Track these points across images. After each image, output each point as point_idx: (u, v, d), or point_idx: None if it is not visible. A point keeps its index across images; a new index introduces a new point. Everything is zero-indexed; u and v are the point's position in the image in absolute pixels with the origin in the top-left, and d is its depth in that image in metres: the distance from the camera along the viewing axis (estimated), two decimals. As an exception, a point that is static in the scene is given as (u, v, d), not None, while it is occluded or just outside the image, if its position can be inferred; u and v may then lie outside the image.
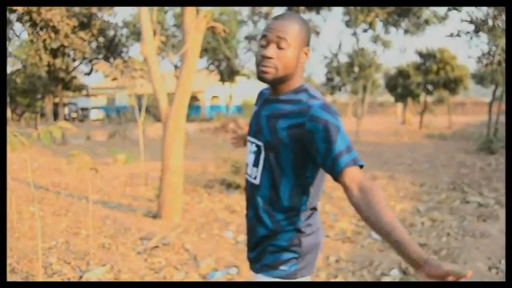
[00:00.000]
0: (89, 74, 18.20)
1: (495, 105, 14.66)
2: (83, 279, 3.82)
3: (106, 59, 17.41)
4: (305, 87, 1.64)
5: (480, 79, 27.54)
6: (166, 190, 5.77)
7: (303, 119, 1.54)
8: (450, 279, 1.23)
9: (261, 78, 1.61)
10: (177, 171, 5.82)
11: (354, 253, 4.52)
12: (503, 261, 4.26)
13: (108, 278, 3.91)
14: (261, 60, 1.59)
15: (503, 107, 17.44)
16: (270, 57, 1.57)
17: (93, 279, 3.86)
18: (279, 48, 1.57)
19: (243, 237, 5.04)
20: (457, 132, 21.36)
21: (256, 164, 1.72)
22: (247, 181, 1.80)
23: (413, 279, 3.81)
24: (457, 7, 14.81)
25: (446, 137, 18.84)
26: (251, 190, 1.76)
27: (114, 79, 8.62)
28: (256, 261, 1.75)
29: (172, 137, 5.76)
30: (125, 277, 3.92)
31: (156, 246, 4.70)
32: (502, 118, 15.92)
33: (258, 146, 1.71)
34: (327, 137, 1.48)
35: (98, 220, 5.63)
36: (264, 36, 1.59)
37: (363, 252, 4.57)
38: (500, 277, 3.89)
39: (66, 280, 3.83)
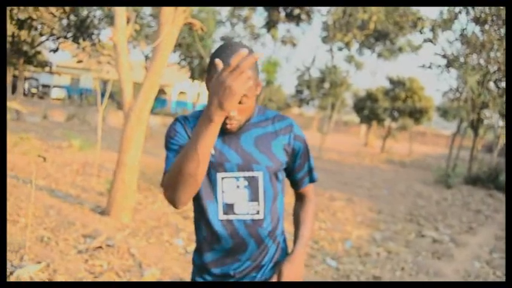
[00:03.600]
0: (55, 51, 17.43)
1: (457, 139, 14.93)
2: (13, 277, 3.47)
3: (75, 38, 16.71)
4: (261, 108, 1.67)
5: (444, 112, 28.21)
6: (119, 186, 5.43)
7: (289, 137, 1.62)
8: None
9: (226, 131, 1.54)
10: (133, 167, 5.49)
11: (308, 279, 4.33)
12: (456, 305, 4.17)
13: (42, 277, 3.56)
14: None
15: (465, 142, 17.83)
16: (232, 117, 1.49)
17: (25, 277, 3.51)
18: (240, 103, 1.46)
19: (193, 247, 4.77)
20: (417, 161, 21.71)
21: (255, 198, 1.60)
22: (232, 222, 1.60)
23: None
24: (432, 40, 15.07)
25: (406, 164, 19.09)
26: (250, 226, 1.60)
27: (80, 61, 8.19)
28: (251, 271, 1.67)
29: (132, 130, 5.43)
30: (60, 278, 3.59)
31: (100, 247, 4.37)
32: (462, 153, 16.26)
33: (251, 178, 1.58)
34: (305, 154, 1.68)
35: (41, 209, 5.24)
36: None
37: (316, 278, 4.39)
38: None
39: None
